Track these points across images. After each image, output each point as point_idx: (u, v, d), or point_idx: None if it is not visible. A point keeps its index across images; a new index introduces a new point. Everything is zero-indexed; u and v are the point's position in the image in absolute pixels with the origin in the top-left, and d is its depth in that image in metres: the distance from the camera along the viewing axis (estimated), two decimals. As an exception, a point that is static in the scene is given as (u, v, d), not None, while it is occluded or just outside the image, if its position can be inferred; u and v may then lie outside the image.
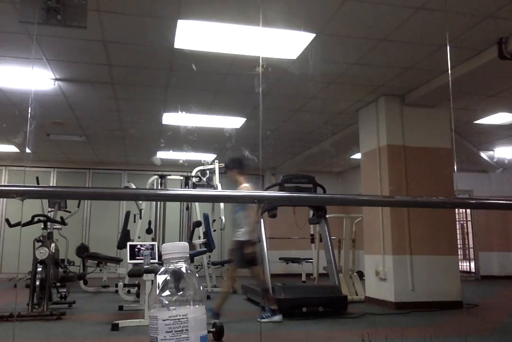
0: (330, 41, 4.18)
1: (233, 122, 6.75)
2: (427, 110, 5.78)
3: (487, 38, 4.11)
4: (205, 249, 6.77)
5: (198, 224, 6.90)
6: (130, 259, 5.18)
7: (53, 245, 5.48)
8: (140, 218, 7.01)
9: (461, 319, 4.66)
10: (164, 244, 0.81)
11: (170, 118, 6.59)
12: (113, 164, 9.95)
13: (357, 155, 8.05)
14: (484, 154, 8.64)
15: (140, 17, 3.77)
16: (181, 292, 0.77)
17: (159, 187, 7.18)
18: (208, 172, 6.82)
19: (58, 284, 6.00)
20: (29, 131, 6.12)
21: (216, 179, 6.94)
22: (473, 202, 2.33)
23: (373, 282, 5.72)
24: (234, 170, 4.57)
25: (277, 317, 4.45)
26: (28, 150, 8.37)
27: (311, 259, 8.48)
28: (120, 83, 5.28)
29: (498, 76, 4.93)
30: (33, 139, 7.52)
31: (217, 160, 7.12)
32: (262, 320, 4.44)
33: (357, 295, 6.05)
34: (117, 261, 6.76)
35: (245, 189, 4.50)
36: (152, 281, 4.54)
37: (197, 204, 7.18)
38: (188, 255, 0.81)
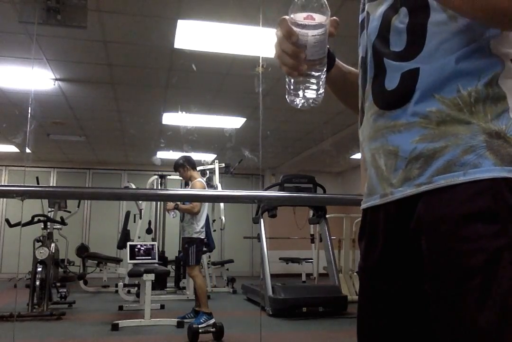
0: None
1: (233, 122, 6.74)
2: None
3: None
4: (205, 249, 6.76)
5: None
6: (130, 259, 5.19)
7: (53, 245, 5.48)
8: (140, 218, 7.01)
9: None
10: None
11: (170, 118, 6.58)
12: (113, 164, 9.94)
13: (357, 155, 8.05)
14: None
15: (140, 17, 3.77)
16: None
17: (159, 187, 7.18)
18: (208, 172, 6.81)
19: (58, 284, 6.00)
20: (29, 131, 6.11)
21: (216, 179, 6.94)
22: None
23: (373, 282, 5.71)
24: (186, 167, 4.59)
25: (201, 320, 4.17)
26: (28, 150, 8.36)
27: (311, 259, 8.47)
28: (120, 83, 5.28)
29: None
30: (33, 139, 7.51)
31: (217, 161, 7.11)
32: (185, 320, 4.36)
33: (357, 295, 6.05)
34: (117, 261, 6.77)
35: (199, 183, 4.52)
36: (152, 281, 4.57)
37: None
38: None
